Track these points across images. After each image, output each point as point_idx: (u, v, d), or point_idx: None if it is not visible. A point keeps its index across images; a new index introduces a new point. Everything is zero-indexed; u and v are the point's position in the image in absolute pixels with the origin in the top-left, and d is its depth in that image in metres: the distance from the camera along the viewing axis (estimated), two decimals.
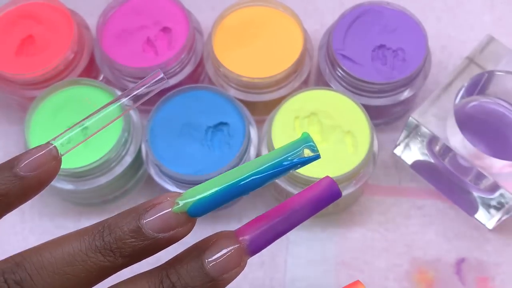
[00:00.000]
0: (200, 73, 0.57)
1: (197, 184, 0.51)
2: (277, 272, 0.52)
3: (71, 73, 0.54)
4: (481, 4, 0.63)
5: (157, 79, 0.28)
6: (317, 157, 0.26)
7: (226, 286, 0.26)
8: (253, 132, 0.51)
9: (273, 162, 0.26)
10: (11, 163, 0.26)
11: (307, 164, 0.26)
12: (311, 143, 0.26)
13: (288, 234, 0.59)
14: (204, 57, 0.55)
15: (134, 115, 0.52)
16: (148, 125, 0.50)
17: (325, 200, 0.27)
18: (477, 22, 0.62)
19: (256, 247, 0.27)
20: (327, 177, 0.27)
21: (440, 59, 0.60)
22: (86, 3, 0.61)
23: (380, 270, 0.52)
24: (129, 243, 0.25)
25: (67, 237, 0.26)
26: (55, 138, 0.27)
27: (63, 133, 0.28)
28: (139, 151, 0.51)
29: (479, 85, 0.50)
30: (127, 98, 0.28)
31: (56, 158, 0.27)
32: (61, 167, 0.48)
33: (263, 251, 0.56)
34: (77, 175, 0.49)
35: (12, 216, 0.56)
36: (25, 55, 0.53)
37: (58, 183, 0.50)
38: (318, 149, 0.26)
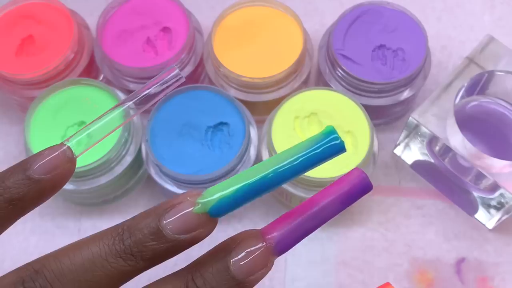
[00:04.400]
0: (200, 73, 0.57)
1: (197, 184, 0.51)
2: (277, 272, 0.52)
3: (71, 73, 0.54)
4: (481, 4, 0.63)
5: (172, 74, 0.26)
6: (341, 148, 0.25)
7: (252, 287, 0.26)
8: (253, 132, 0.51)
9: (298, 159, 0.25)
10: (24, 165, 0.25)
11: (332, 157, 0.25)
12: (336, 135, 0.25)
13: None
14: (204, 57, 0.55)
15: None
16: (148, 125, 0.50)
17: (355, 194, 0.25)
18: (477, 22, 0.62)
19: (283, 247, 0.26)
20: (357, 169, 0.26)
21: (440, 59, 0.60)
22: (86, 3, 0.61)
23: (380, 270, 0.52)
24: (150, 246, 0.24)
25: (86, 242, 0.25)
26: (69, 138, 0.26)
27: (77, 132, 0.26)
28: (139, 151, 0.51)
29: (479, 85, 0.50)
30: (140, 97, 0.27)
31: (71, 160, 0.26)
32: None
33: None
34: (78, 175, 0.49)
35: None
36: (25, 55, 0.53)
37: None
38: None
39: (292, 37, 0.53)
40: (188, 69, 0.54)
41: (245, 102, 0.52)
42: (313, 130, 0.50)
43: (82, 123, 0.51)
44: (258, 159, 0.51)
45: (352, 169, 0.26)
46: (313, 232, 0.61)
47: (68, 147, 0.26)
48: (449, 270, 0.52)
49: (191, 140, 0.50)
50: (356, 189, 0.25)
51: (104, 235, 0.25)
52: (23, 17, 0.54)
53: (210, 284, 0.25)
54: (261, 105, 0.54)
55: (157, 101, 0.27)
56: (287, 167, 0.25)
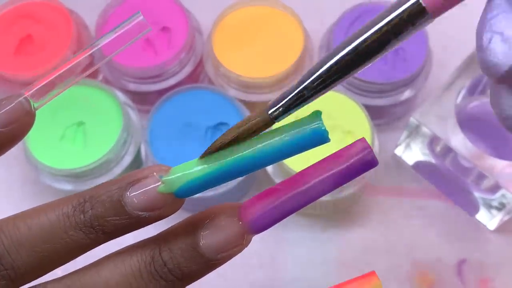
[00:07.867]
0: (199, 73, 0.57)
1: None
2: (277, 273, 0.52)
3: None
4: (483, 3, 0.62)
5: (137, 21, 0.25)
6: (324, 138, 0.22)
7: (225, 263, 0.24)
8: None
9: (276, 143, 0.23)
10: None
11: (312, 147, 0.23)
12: (319, 122, 0.22)
13: (288, 235, 0.59)
14: (204, 57, 0.55)
15: (133, 115, 0.52)
16: (147, 125, 0.50)
17: (355, 172, 0.22)
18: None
19: (261, 225, 0.23)
20: (362, 140, 0.22)
21: (441, 58, 0.59)
22: (85, 3, 0.61)
23: (380, 271, 0.52)
24: (111, 221, 0.23)
25: (44, 208, 0.24)
26: (30, 89, 0.25)
27: (39, 83, 0.25)
28: (139, 151, 0.51)
29: (481, 85, 0.50)
30: (104, 41, 0.25)
31: (29, 113, 0.25)
32: (61, 167, 0.48)
33: (263, 252, 0.56)
34: (77, 176, 0.49)
35: None
36: (24, 55, 0.53)
37: (57, 184, 0.50)
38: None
39: (292, 37, 0.53)
40: (188, 69, 0.54)
41: (245, 102, 0.52)
42: None
43: (81, 123, 0.50)
44: None
45: (356, 141, 0.22)
46: (314, 233, 0.61)
47: (25, 98, 0.25)
48: (450, 271, 0.52)
49: (190, 140, 0.50)
50: (356, 165, 0.22)
51: (63, 203, 0.24)
52: (21, 16, 0.54)
53: (177, 260, 0.24)
54: (261, 105, 0.53)
55: (122, 48, 0.26)
56: (262, 150, 0.22)
